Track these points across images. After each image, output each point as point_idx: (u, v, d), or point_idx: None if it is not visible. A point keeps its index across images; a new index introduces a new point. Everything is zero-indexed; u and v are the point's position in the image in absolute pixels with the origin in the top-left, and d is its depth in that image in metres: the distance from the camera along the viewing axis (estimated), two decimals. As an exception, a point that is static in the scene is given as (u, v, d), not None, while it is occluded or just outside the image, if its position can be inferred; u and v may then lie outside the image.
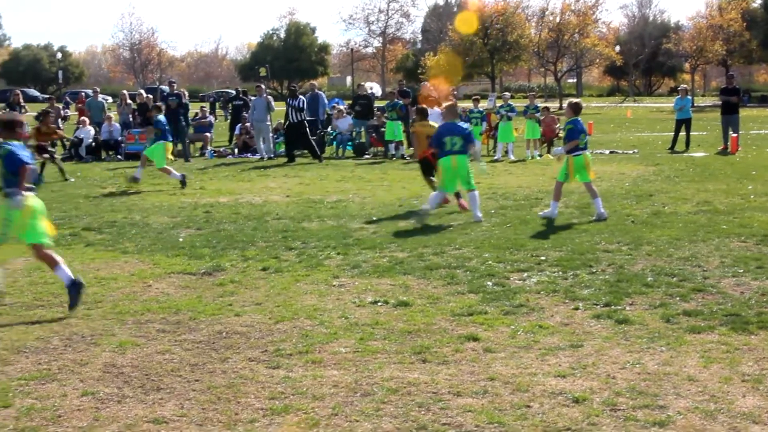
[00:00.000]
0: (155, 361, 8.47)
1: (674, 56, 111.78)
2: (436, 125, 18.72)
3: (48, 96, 77.03)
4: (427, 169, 19.15)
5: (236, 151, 34.59)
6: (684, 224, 15.46)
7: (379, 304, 10.47)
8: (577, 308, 10.09)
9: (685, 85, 42.26)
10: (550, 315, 9.85)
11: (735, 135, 32.29)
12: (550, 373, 7.83)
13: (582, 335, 9.02)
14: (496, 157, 30.89)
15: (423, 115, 20.57)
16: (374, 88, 77.15)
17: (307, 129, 31.68)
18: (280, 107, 36.69)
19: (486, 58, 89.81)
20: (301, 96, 32.52)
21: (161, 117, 23.80)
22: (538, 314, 9.87)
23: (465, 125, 18.28)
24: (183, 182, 22.71)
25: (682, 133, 33.87)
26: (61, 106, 44.43)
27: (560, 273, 11.84)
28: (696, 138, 37.23)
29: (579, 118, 17.08)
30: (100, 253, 14.03)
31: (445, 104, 19.91)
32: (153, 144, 23.40)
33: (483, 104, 35.96)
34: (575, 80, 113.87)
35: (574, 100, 18.20)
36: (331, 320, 9.77)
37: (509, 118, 31.46)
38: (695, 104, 71.13)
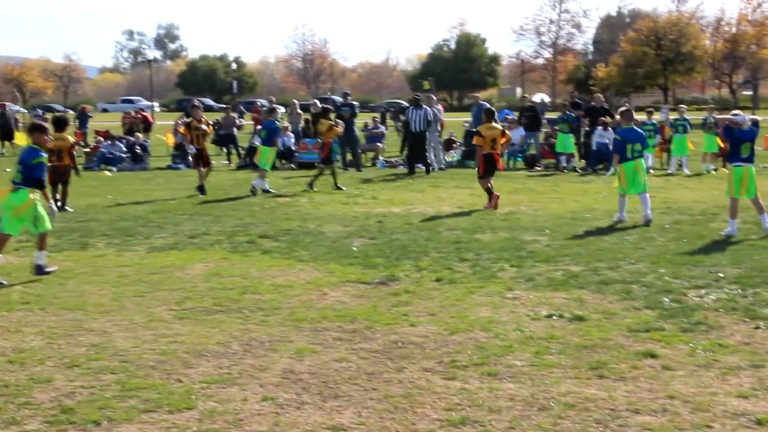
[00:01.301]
0: (332, 368, 8.58)
1: None
2: (500, 127, 20.87)
3: (224, 105, 78.72)
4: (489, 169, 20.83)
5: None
6: None
7: (554, 317, 10.41)
8: (758, 327, 9.85)
9: None
10: (730, 333, 9.63)
11: None
12: (731, 393, 7.67)
13: (764, 355, 8.80)
14: (669, 171, 30.36)
15: (490, 116, 21.77)
16: (544, 98, 76.56)
17: (426, 143, 30.93)
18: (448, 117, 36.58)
19: (659, 70, 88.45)
20: (426, 107, 31.22)
21: (273, 121, 25.47)
22: (717, 332, 9.67)
23: (640, 130, 19.25)
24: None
25: None
26: (236, 115, 45.26)
27: (739, 290, 11.56)
28: None
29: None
30: (276, 261, 14.29)
31: (620, 109, 20.27)
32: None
33: (656, 116, 35.35)
34: (751, 92, 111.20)
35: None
36: (506, 333, 9.75)
37: (685, 131, 30.90)
38: None
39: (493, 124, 21.39)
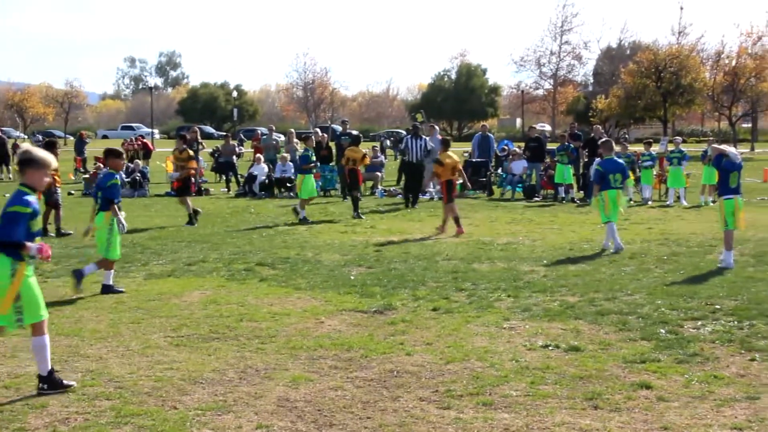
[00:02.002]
0: (328, 397, 8.58)
1: None
2: (455, 156, 22.17)
3: (224, 133, 78.88)
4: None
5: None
6: None
7: (550, 348, 10.41)
8: (753, 359, 9.85)
9: None
10: (726, 365, 9.63)
11: None
12: (726, 425, 7.67)
13: (759, 387, 8.80)
14: (668, 203, 30.41)
15: (447, 146, 22.94)
16: (544, 128, 76.55)
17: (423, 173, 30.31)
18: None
19: (658, 102, 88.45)
20: (425, 137, 31.22)
21: (308, 151, 25.60)
22: (713, 364, 9.68)
23: (621, 161, 19.92)
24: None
25: None
26: (235, 143, 45.40)
27: (736, 323, 11.57)
28: None
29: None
30: (273, 289, 14.31)
31: (601, 140, 20.79)
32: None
33: (655, 148, 35.41)
34: (750, 125, 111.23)
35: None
36: (501, 363, 9.76)
37: (680, 163, 31.00)
38: None
39: (449, 153, 22.30)
